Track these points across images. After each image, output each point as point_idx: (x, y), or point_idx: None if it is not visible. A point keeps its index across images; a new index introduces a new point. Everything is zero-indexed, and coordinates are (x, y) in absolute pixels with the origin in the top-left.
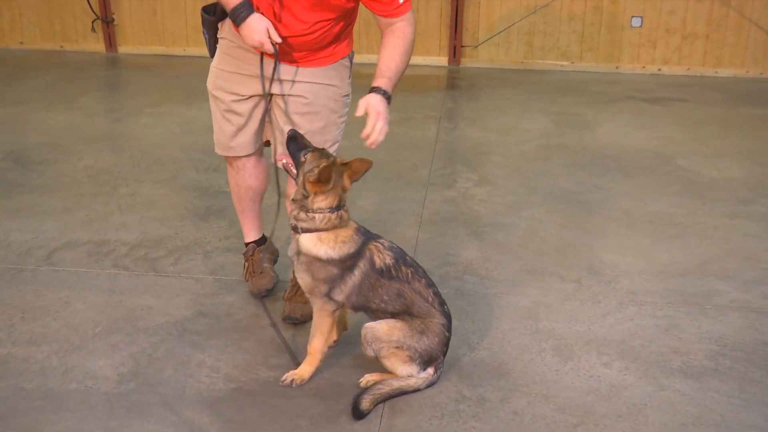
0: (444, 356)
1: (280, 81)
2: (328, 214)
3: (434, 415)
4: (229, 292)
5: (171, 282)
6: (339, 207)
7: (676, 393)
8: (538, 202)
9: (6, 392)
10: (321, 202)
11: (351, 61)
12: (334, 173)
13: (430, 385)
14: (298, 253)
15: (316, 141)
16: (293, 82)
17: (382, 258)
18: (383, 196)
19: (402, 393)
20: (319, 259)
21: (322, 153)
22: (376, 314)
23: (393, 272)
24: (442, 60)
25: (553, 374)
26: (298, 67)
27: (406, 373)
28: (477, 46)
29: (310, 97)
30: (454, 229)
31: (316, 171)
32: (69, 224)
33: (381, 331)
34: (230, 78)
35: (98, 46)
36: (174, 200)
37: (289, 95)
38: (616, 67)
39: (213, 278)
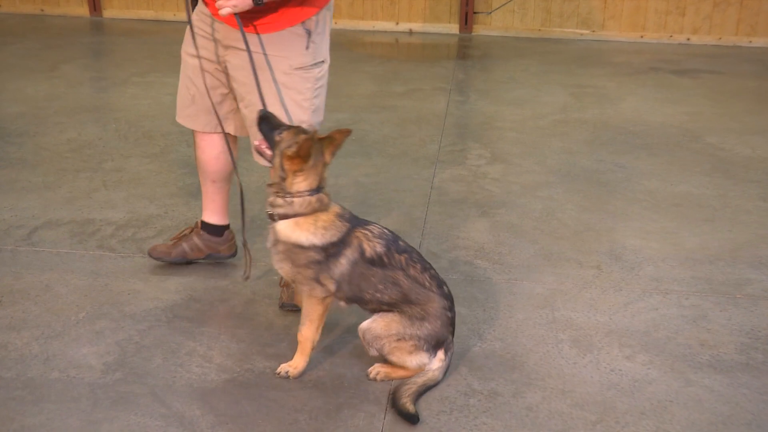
0: (452, 336)
1: (225, 48)
2: (307, 198)
3: (442, 410)
4: (222, 276)
5: (160, 265)
6: (319, 189)
7: (705, 389)
8: (555, 182)
9: None
10: (301, 183)
11: (309, 31)
12: (314, 147)
13: (446, 370)
14: (276, 242)
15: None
16: (238, 50)
17: (372, 246)
18: (387, 173)
19: (428, 388)
20: (299, 246)
21: (299, 129)
22: (370, 305)
23: (385, 260)
24: (453, 27)
25: (570, 367)
26: (241, 32)
27: (416, 363)
28: (490, 13)
29: (252, 70)
30: (464, 210)
31: (295, 145)
32: (50, 201)
33: (378, 328)
34: (189, 39)
35: (82, 9)
36: (163, 177)
37: (236, 66)
38: (641, 36)
39: (205, 261)
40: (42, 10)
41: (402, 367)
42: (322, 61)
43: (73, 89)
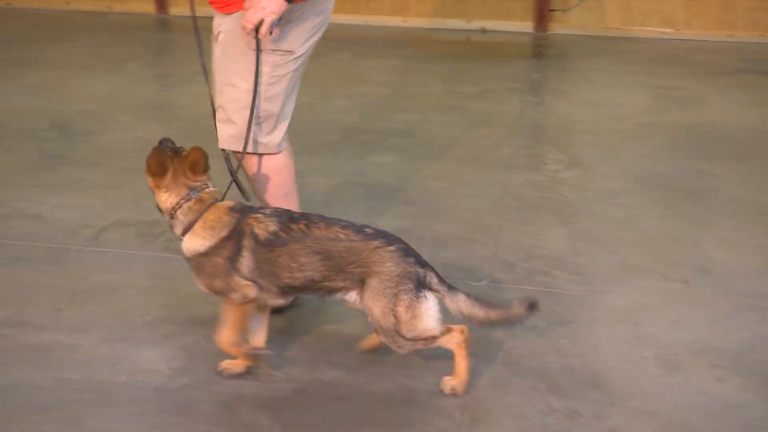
0: (424, 265)
1: (215, 39)
2: (185, 205)
3: (519, 429)
4: None
5: None
6: (193, 193)
7: None
8: (636, 189)
9: (50, 382)
10: (168, 198)
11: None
12: (166, 161)
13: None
14: (187, 261)
15: (234, 109)
16: (220, 33)
17: (264, 227)
18: (457, 178)
19: (492, 309)
20: (200, 255)
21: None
22: (309, 289)
23: (283, 235)
24: (527, 25)
25: (656, 387)
26: (220, 13)
27: (431, 320)
28: (567, 10)
29: (219, 55)
30: (540, 218)
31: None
32: (116, 201)
33: (378, 319)
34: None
35: (148, 7)
36: (229, 177)
37: (218, 49)
38: (729, 35)
39: None
40: (109, 8)
41: (461, 364)
42: (288, 52)
43: (138, 87)
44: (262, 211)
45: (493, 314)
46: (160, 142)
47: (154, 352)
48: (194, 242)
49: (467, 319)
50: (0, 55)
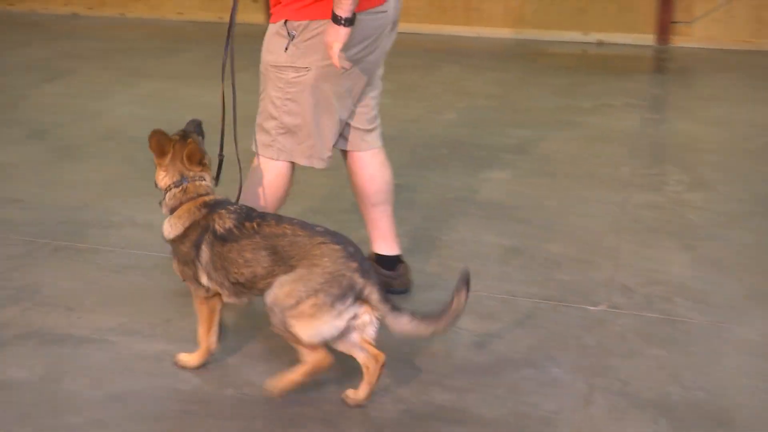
0: (364, 276)
1: None
2: (173, 190)
3: None
4: (402, 299)
5: None
6: (184, 181)
7: None
8: (766, 213)
9: (158, 392)
10: (163, 178)
11: (292, 35)
12: (166, 144)
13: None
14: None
15: (263, 117)
16: None
17: (222, 224)
18: (572, 196)
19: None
20: (171, 240)
21: (183, 134)
22: (256, 288)
23: (236, 232)
24: (647, 38)
25: None
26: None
27: (324, 334)
28: (692, 22)
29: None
30: (661, 241)
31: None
32: None
33: (281, 292)
34: None
35: (259, 17)
36: (338, 191)
37: None
38: None
39: None
40: (220, 18)
41: (301, 343)
42: (303, 68)
43: (247, 98)
44: (228, 207)
45: (442, 324)
46: (188, 123)
47: (262, 366)
48: (166, 227)
49: (414, 337)
50: (114, 64)
